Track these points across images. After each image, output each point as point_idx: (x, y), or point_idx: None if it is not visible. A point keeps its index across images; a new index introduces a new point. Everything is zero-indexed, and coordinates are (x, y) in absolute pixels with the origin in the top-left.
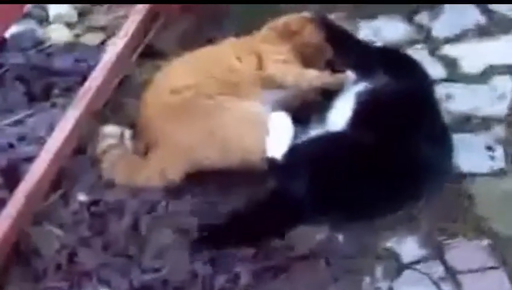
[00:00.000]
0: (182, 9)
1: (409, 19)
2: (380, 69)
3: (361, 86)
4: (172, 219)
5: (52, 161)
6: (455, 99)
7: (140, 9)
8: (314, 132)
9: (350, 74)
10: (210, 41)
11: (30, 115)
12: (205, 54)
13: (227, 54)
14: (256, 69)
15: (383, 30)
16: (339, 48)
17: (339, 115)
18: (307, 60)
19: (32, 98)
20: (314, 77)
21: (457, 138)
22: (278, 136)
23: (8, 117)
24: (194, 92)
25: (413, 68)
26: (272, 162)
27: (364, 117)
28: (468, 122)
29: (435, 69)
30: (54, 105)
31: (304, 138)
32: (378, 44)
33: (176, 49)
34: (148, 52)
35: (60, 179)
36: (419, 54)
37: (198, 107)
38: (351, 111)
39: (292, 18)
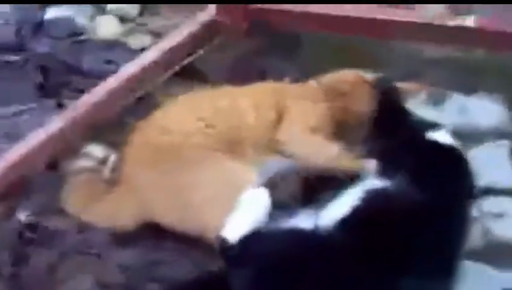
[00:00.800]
0: (248, 31)
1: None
2: (408, 169)
3: (373, 183)
4: (101, 268)
5: (7, 169)
6: (506, 221)
7: (200, 21)
8: (301, 219)
9: (370, 165)
10: (262, 74)
11: (25, 111)
12: (221, 97)
13: (245, 104)
14: (273, 128)
15: (471, 110)
16: (379, 128)
17: (335, 209)
18: (341, 130)
19: (42, 93)
20: (333, 157)
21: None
22: (243, 216)
23: (4, 107)
24: (185, 139)
25: (452, 176)
26: (223, 242)
27: (353, 223)
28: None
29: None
30: (59, 105)
31: (280, 222)
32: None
33: (220, 76)
34: (187, 73)
35: (8, 191)
36: (499, 152)
37: (177, 157)
38: (347, 209)
39: (350, 75)
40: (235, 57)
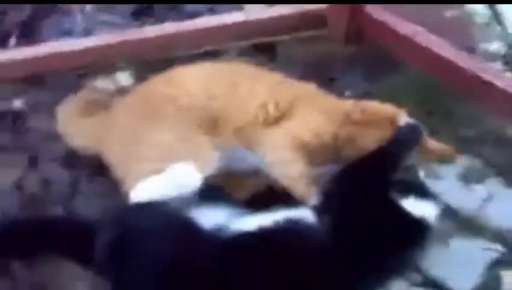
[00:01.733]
0: (346, 35)
1: None
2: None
3: (300, 213)
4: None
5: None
6: None
7: (307, 9)
8: (209, 215)
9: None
10: (330, 80)
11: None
12: (243, 75)
13: (256, 91)
14: (268, 123)
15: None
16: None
17: (247, 222)
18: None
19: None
20: (291, 176)
21: None
22: (158, 184)
23: None
24: (175, 98)
25: (392, 248)
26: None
27: (249, 242)
28: None
29: None
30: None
31: (185, 208)
32: None
33: (290, 66)
34: (264, 49)
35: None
36: None
37: (153, 112)
38: (255, 227)
39: (386, 111)
40: (316, 54)
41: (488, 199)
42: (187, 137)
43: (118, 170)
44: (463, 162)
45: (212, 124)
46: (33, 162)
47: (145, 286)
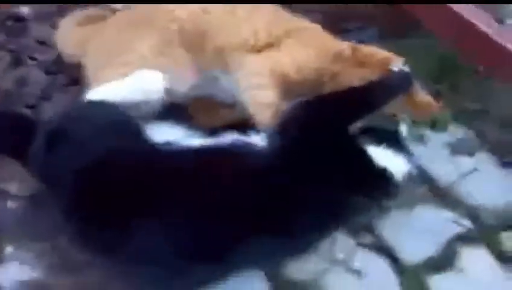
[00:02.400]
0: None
1: None
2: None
3: (249, 138)
4: None
5: None
6: None
7: None
8: (163, 131)
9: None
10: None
11: None
12: (244, 7)
13: (253, 20)
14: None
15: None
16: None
17: (196, 140)
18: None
19: None
20: (261, 102)
21: None
22: (119, 86)
23: None
24: (170, 16)
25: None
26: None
27: (192, 157)
28: None
29: None
30: None
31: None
32: None
33: None
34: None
35: None
36: None
37: (137, 24)
38: (202, 144)
39: (380, 53)
40: (333, 6)
41: (471, 173)
42: (166, 49)
43: (91, 75)
44: (456, 132)
45: (199, 40)
46: (17, 62)
47: (72, 176)
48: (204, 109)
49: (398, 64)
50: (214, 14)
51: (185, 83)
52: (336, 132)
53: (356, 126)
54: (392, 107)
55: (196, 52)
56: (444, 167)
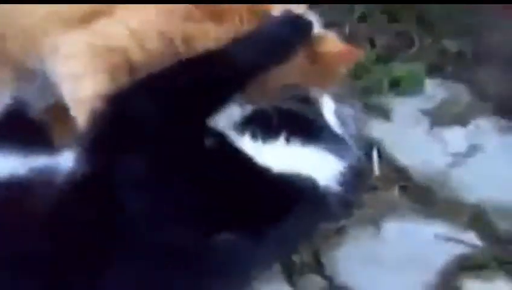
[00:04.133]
0: None
1: None
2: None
3: None
4: None
5: None
6: None
7: None
8: None
9: None
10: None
11: None
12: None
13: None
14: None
15: None
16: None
17: None
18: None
19: None
20: (79, 97)
21: None
22: None
23: None
24: None
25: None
26: None
27: None
28: None
29: None
30: None
31: None
32: None
33: None
34: None
35: None
36: None
37: None
38: None
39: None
40: None
41: (468, 154)
42: None
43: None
44: (437, 90)
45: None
46: None
47: None
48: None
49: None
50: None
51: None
52: (191, 129)
53: (232, 116)
54: (288, 74)
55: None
56: (423, 150)
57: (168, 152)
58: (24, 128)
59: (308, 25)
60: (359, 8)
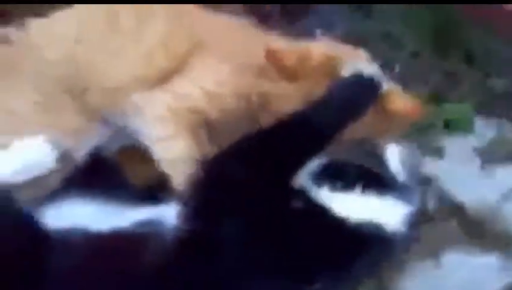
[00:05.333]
0: None
1: None
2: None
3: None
4: None
5: None
6: None
7: None
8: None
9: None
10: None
11: None
12: (132, 12)
13: (150, 32)
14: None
15: None
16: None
17: None
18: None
19: None
20: (171, 158)
21: None
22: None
23: None
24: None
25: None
26: None
27: None
28: None
29: None
30: None
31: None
32: None
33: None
34: None
35: None
36: None
37: None
38: None
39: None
40: None
41: None
42: (47, 102)
43: None
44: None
45: (80, 83)
46: None
47: None
48: (133, 161)
49: (353, 67)
50: (88, 42)
51: (87, 138)
52: (279, 191)
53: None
54: (358, 128)
55: (83, 97)
56: (476, 188)
57: (261, 213)
58: (103, 172)
59: (378, 86)
60: (407, 42)
